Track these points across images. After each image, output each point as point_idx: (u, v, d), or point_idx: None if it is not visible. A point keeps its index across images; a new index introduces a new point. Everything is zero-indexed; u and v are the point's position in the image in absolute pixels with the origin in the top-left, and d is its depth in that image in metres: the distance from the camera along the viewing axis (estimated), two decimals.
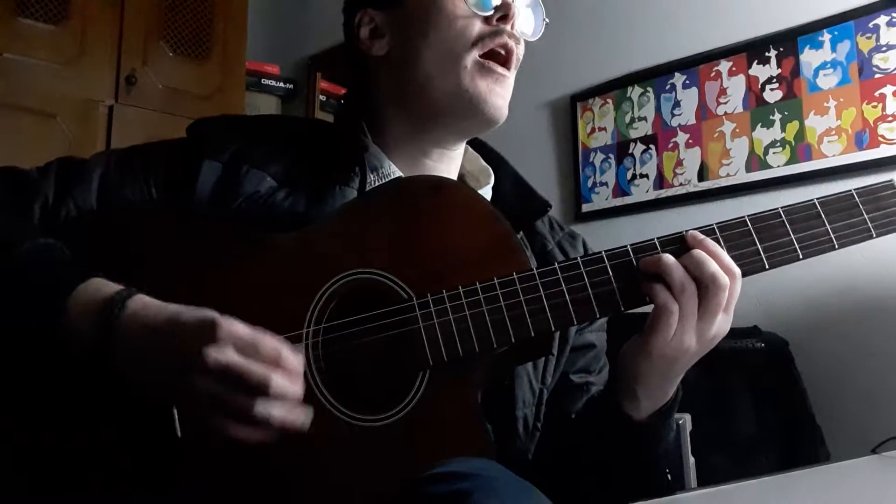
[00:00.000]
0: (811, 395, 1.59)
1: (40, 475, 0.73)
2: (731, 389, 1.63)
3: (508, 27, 0.90)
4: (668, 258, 0.77)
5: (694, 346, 0.77)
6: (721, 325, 0.78)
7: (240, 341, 0.65)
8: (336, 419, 0.73)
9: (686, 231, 0.79)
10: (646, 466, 0.87)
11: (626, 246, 0.79)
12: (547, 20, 0.96)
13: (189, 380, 0.65)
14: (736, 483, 0.87)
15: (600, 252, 0.80)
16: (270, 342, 0.66)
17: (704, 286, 0.75)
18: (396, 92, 0.93)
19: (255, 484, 0.72)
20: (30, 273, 0.74)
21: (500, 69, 0.90)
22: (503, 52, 0.90)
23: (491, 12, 0.89)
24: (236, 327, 0.66)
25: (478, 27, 0.89)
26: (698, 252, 0.77)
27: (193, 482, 0.71)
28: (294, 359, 0.67)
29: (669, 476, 0.88)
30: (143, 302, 0.71)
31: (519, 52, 0.92)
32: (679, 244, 0.79)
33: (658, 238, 0.79)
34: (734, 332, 0.93)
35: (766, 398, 1.60)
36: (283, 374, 0.65)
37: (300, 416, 0.67)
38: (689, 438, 1.33)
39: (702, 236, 0.78)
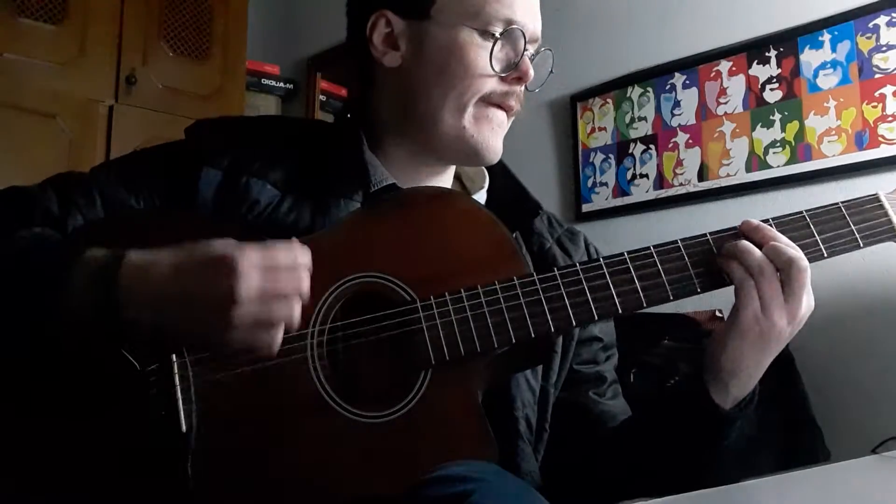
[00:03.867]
0: (811, 395, 1.59)
1: (39, 472, 0.73)
2: None
3: (520, 89, 0.92)
4: (746, 243, 0.80)
5: (786, 326, 0.80)
6: (808, 302, 0.80)
7: (260, 266, 0.67)
8: (339, 415, 0.75)
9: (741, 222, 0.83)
10: (712, 458, 0.88)
11: (622, 253, 0.82)
12: (553, 72, 0.98)
13: (230, 314, 0.66)
14: (736, 483, 0.87)
15: (599, 258, 0.82)
16: (284, 254, 0.69)
17: (785, 271, 0.79)
18: (400, 115, 0.94)
19: (257, 478, 0.73)
20: (30, 256, 0.74)
21: (502, 117, 0.92)
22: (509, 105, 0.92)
23: (509, 73, 0.91)
24: (250, 256, 0.67)
25: (491, 84, 0.90)
26: (771, 242, 0.80)
27: (196, 476, 0.71)
28: (304, 254, 0.71)
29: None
30: (140, 253, 0.70)
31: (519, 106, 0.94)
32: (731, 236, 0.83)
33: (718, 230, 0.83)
34: None
35: (766, 398, 1.60)
36: (303, 272, 0.70)
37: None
38: None
39: (757, 223, 0.82)
